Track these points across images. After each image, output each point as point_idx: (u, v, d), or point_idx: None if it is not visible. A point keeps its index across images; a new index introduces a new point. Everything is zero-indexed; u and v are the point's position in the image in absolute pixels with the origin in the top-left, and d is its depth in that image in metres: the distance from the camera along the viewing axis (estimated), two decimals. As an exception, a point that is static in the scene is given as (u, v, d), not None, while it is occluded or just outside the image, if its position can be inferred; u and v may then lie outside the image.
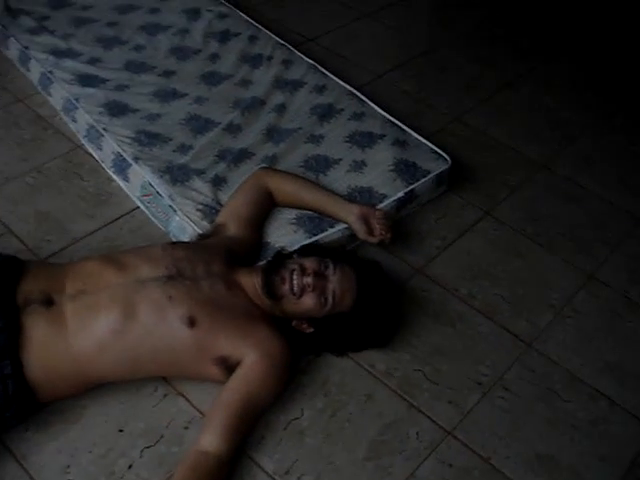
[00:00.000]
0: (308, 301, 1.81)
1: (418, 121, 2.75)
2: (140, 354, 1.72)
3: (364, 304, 1.86)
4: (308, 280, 1.81)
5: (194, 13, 3.16)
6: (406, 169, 2.36)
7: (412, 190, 2.33)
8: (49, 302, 1.70)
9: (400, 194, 2.30)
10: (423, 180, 2.36)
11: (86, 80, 2.67)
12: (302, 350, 1.90)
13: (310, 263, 1.85)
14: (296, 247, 2.07)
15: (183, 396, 1.81)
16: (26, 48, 2.84)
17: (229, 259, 1.91)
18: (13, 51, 2.91)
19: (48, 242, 2.18)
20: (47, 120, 2.64)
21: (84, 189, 2.37)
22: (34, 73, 2.79)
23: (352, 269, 1.88)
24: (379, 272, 1.99)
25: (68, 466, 1.66)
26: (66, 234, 2.21)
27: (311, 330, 1.87)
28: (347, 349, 1.95)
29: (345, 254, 2.04)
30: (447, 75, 3.18)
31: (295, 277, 1.82)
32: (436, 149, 2.49)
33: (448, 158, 2.46)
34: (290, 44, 3.04)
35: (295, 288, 1.81)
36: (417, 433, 1.79)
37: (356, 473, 1.70)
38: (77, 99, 2.57)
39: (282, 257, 1.94)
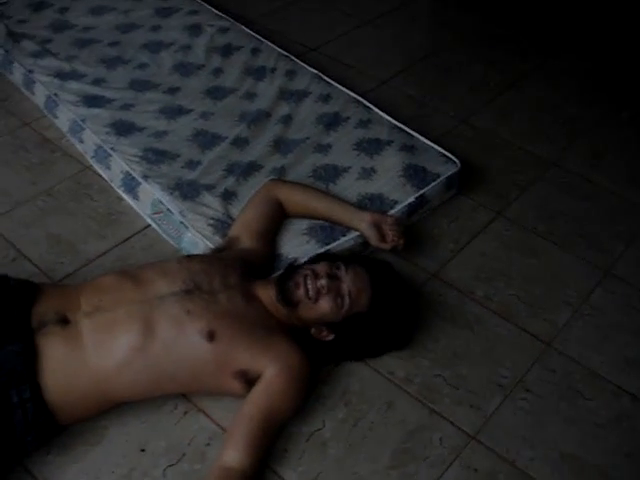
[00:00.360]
0: (324, 304, 1.81)
1: (425, 125, 2.74)
2: (160, 371, 1.71)
3: (381, 301, 1.85)
4: (322, 282, 1.81)
5: (195, 29, 3.16)
6: (415, 174, 2.36)
7: (423, 195, 2.32)
8: (64, 321, 1.69)
9: (411, 199, 2.29)
10: (433, 184, 2.35)
11: (91, 101, 2.68)
12: (322, 360, 1.89)
13: (321, 267, 1.85)
14: (308, 257, 2.06)
15: (204, 412, 1.80)
16: (30, 72, 2.85)
17: (245, 271, 1.91)
18: (17, 75, 2.92)
19: (61, 264, 2.18)
20: (54, 142, 2.65)
21: (94, 210, 2.38)
22: (39, 96, 2.80)
23: (363, 269, 1.88)
24: (390, 270, 1.98)
25: (91, 488, 1.66)
26: (79, 255, 2.21)
27: (331, 337, 1.86)
28: (368, 352, 1.94)
29: (355, 256, 2.04)
30: (451, 78, 3.18)
31: (309, 281, 1.81)
32: (445, 152, 2.49)
33: (457, 161, 2.46)
34: (293, 55, 3.05)
35: (310, 292, 1.80)
36: (440, 439, 1.78)
37: (381, 482, 1.69)
38: (83, 120, 2.58)
39: (294, 267, 1.93)
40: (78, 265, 2.18)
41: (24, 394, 1.60)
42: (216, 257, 1.99)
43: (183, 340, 1.71)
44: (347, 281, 1.83)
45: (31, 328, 1.67)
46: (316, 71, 2.93)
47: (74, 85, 2.77)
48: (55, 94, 2.72)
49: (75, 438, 1.74)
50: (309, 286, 1.81)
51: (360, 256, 2.11)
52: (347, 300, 1.81)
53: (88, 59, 2.96)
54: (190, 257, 1.97)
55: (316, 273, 1.83)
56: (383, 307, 1.85)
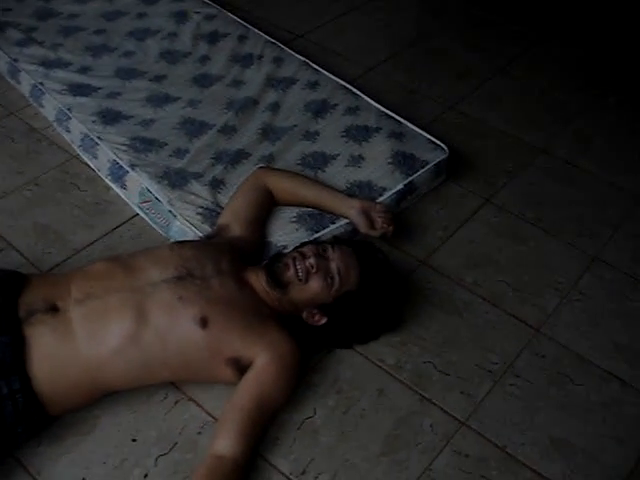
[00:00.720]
0: (315, 284, 1.81)
1: (413, 112, 2.74)
2: (153, 358, 1.70)
3: (370, 277, 1.86)
4: (311, 261, 1.82)
5: (181, 16, 3.14)
6: (404, 161, 2.35)
7: (411, 181, 2.32)
8: (53, 309, 1.68)
9: (400, 186, 2.29)
10: (422, 171, 2.35)
11: (77, 89, 2.66)
12: (313, 347, 1.90)
13: (308, 248, 1.87)
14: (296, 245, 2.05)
15: (194, 401, 1.80)
16: (15, 60, 2.82)
17: (236, 257, 1.91)
18: (2, 64, 2.89)
19: (49, 254, 2.16)
20: (41, 132, 2.63)
21: (82, 199, 2.36)
22: (24, 85, 2.77)
23: (349, 248, 1.89)
24: (374, 248, 1.98)
25: (83, 478, 1.65)
26: (67, 245, 2.20)
27: (324, 320, 1.85)
28: (360, 335, 1.94)
29: (339, 238, 2.04)
30: (439, 64, 3.17)
31: (298, 262, 1.82)
32: (433, 139, 2.49)
33: (445, 147, 2.46)
34: (280, 41, 3.03)
35: (300, 272, 1.81)
36: (431, 425, 1.79)
37: (372, 469, 1.69)
38: (69, 109, 2.55)
39: (282, 253, 1.94)
40: (66, 255, 2.16)
41: (14, 385, 1.59)
42: (207, 243, 1.98)
43: (176, 327, 1.70)
44: (335, 259, 1.84)
45: (19, 318, 1.66)
46: (303, 58, 2.91)
47: (60, 74, 2.75)
48: (41, 83, 2.69)
49: (66, 428, 1.73)
50: (298, 266, 1.82)
51: (344, 238, 2.10)
52: (337, 278, 1.82)
53: (73, 47, 2.94)
54: (182, 243, 1.96)
55: (303, 254, 1.84)
56: (372, 283, 1.86)
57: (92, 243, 2.21)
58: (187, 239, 2.11)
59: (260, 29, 3.11)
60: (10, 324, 1.64)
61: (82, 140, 2.47)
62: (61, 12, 3.20)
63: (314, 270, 1.81)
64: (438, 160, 2.40)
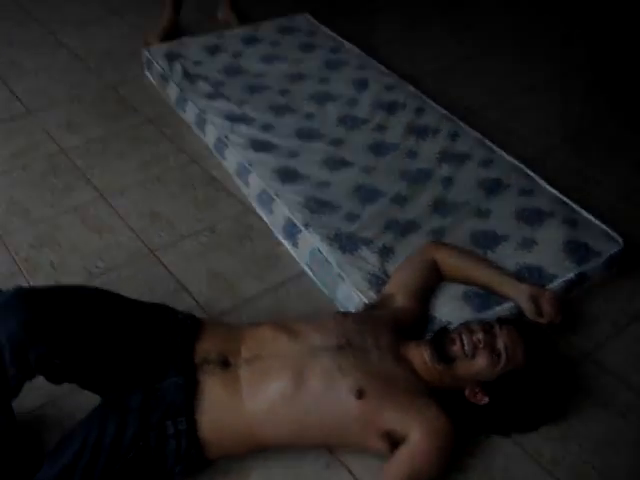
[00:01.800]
0: (481, 360, 1.80)
1: (586, 199, 2.67)
2: (307, 420, 1.74)
3: (536, 357, 1.83)
4: (478, 336, 1.81)
5: (362, 84, 3.22)
6: (577, 249, 2.30)
7: (583, 272, 2.26)
8: (226, 364, 1.77)
9: (570, 275, 2.24)
10: (594, 262, 2.29)
11: (259, 146, 2.78)
12: (471, 429, 1.87)
13: (475, 324, 1.87)
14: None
15: (346, 467, 1.81)
16: (203, 112, 2.99)
17: (397, 332, 1.92)
18: (190, 114, 3.08)
19: (218, 301, 2.26)
20: (220, 182, 2.76)
21: (253, 251, 2.46)
22: (210, 137, 2.93)
23: (514, 327, 1.88)
24: (542, 331, 1.97)
25: (232, 527, 1.69)
26: (235, 294, 2.29)
27: (485, 400, 1.83)
28: (523, 421, 1.90)
29: (504, 318, 2.01)
30: (616, 152, 3.09)
31: (465, 337, 1.82)
32: (607, 230, 2.42)
33: (620, 240, 2.38)
34: (456, 116, 3.06)
35: (466, 347, 1.81)
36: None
37: None
38: (250, 164, 2.67)
39: (447, 329, 1.93)
40: (234, 303, 2.25)
41: (179, 426, 1.67)
42: (370, 316, 2.00)
43: (332, 394, 1.73)
44: (502, 336, 1.83)
45: (194, 364, 1.74)
46: (479, 135, 2.92)
47: (243, 129, 2.88)
48: (225, 136, 2.84)
49: (219, 474, 1.78)
50: (465, 341, 1.81)
51: (509, 318, 2.06)
52: (504, 355, 1.80)
53: (258, 105, 3.07)
54: (344, 314, 2.00)
55: (471, 329, 1.84)
56: (538, 364, 1.83)
57: (260, 295, 2.29)
58: (349, 307, 2.15)
59: (436, 102, 3.14)
60: (186, 368, 1.73)
61: (259, 195, 2.58)
62: (249, 70, 3.36)
63: (481, 345, 1.80)
64: (612, 252, 2.33)
